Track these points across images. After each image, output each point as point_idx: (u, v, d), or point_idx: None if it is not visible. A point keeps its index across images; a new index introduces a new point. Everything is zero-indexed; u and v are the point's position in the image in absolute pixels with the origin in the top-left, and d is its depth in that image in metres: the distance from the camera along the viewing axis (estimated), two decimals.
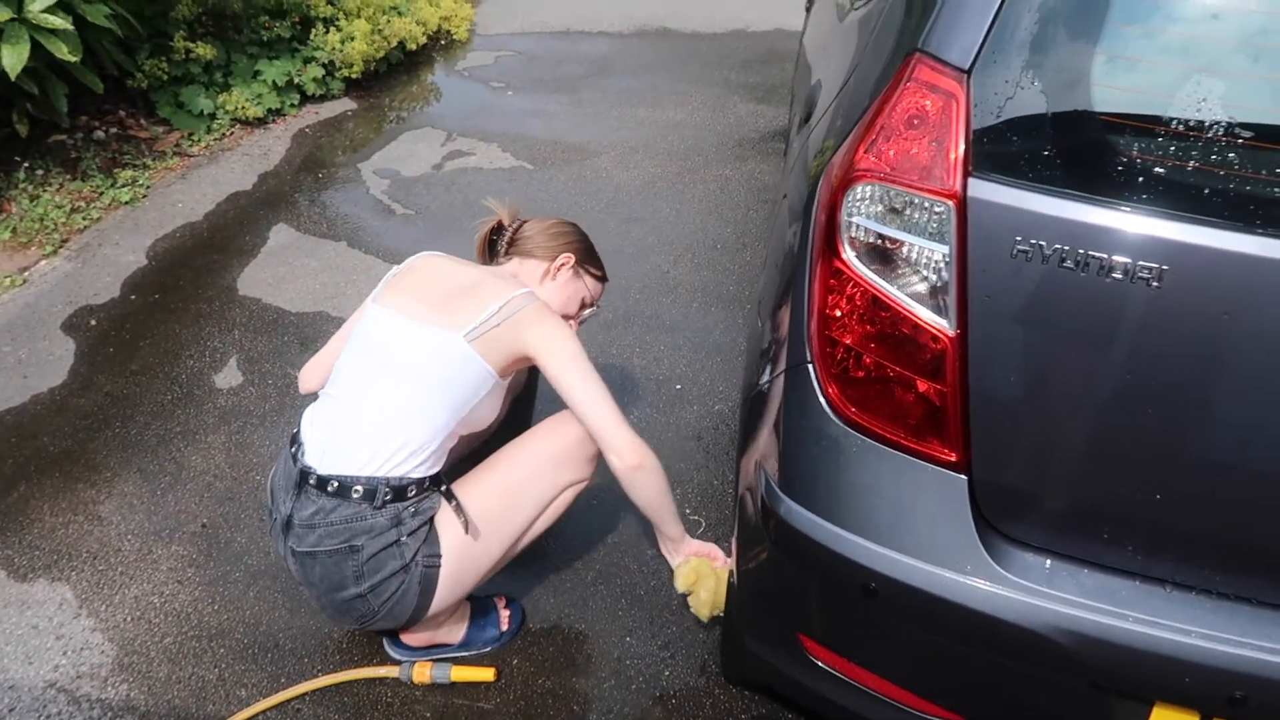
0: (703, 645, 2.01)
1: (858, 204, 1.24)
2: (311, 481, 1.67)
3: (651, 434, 2.57)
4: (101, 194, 3.62)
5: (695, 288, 3.24)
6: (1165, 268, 1.08)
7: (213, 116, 4.21)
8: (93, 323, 2.94)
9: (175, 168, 3.91)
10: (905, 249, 1.22)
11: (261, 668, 1.93)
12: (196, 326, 2.95)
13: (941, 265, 1.19)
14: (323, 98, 4.60)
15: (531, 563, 2.17)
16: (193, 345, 2.86)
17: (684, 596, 1.92)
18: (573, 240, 1.96)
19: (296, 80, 4.46)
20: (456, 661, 1.93)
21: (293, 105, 4.45)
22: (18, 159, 3.65)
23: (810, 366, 1.35)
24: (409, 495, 1.68)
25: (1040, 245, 1.13)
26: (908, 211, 1.21)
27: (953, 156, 1.17)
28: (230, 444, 2.50)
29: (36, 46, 3.22)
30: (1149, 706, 1.24)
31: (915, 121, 1.22)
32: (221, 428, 2.55)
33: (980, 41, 1.17)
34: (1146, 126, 1.14)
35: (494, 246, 1.97)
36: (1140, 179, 1.12)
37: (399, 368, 1.70)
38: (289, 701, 1.86)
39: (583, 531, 2.27)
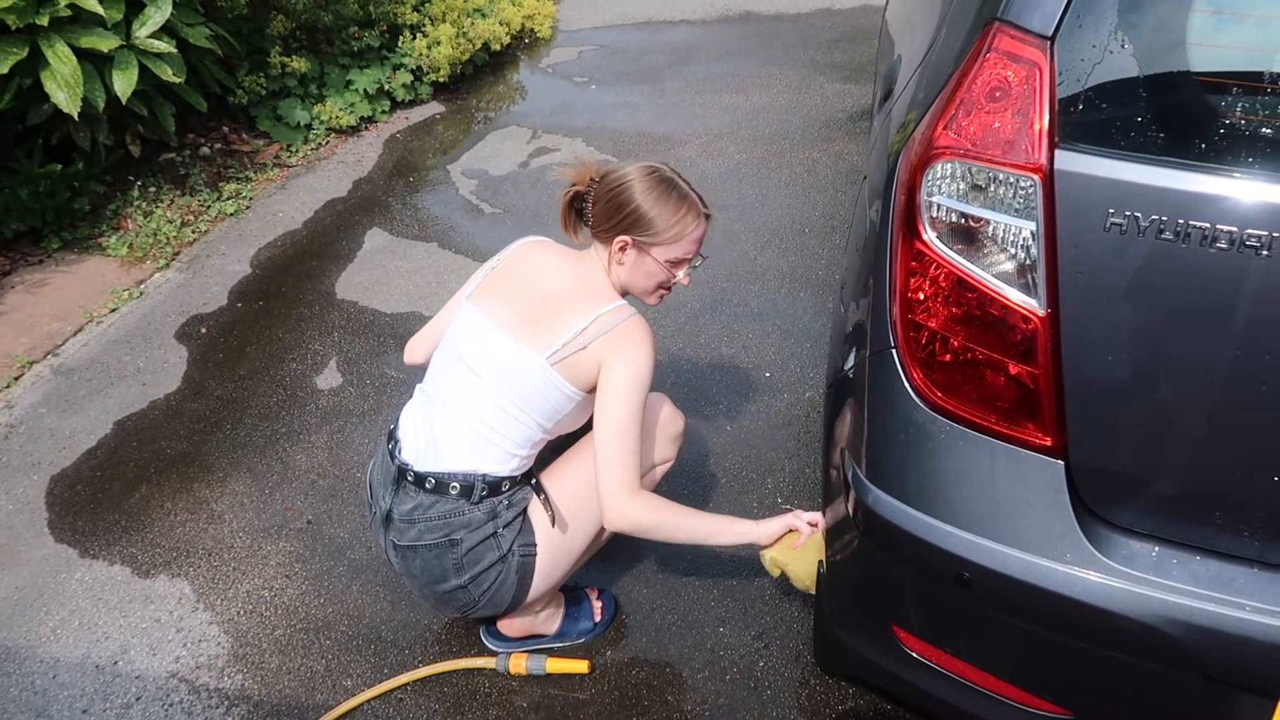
0: (797, 636, 1.99)
1: (938, 183, 1.20)
2: (409, 478, 1.72)
3: (741, 422, 2.55)
4: (208, 207, 3.79)
5: (783, 273, 3.19)
6: (1276, 235, 1.02)
7: (309, 127, 4.35)
8: (203, 330, 3.08)
9: (276, 178, 4.07)
10: (990, 227, 1.18)
11: (365, 659, 2.00)
12: (298, 330, 3.06)
13: (1029, 243, 1.14)
14: (412, 103, 4.70)
15: (622, 554, 2.18)
16: (295, 349, 2.97)
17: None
18: (626, 214, 1.69)
19: (386, 87, 4.58)
20: (551, 653, 1.96)
21: (384, 112, 4.57)
22: (131, 178, 3.85)
23: (894, 352, 1.32)
24: (503, 490, 1.71)
25: (1136, 217, 1.07)
26: (991, 188, 1.16)
27: (1037, 128, 1.12)
28: (332, 443, 2.59)
29: (144, 70, 3.39)
30: (1274, 701, 1.17)
31: (997, 94, 1.17)
32: (323, 427, 2.64)
33: (1063, 7, 1.12)
34: (1251, 85, 1.07)
35: (582, 216, 1.80)
36: (1245, 142, 1.05)
37: (487, 378, 1.71)
38: (392, 691, 1.92)
39: None
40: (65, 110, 3.16)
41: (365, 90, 4.50)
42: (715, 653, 1.97)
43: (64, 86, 3.14)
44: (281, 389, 2.81)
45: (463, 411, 1.72)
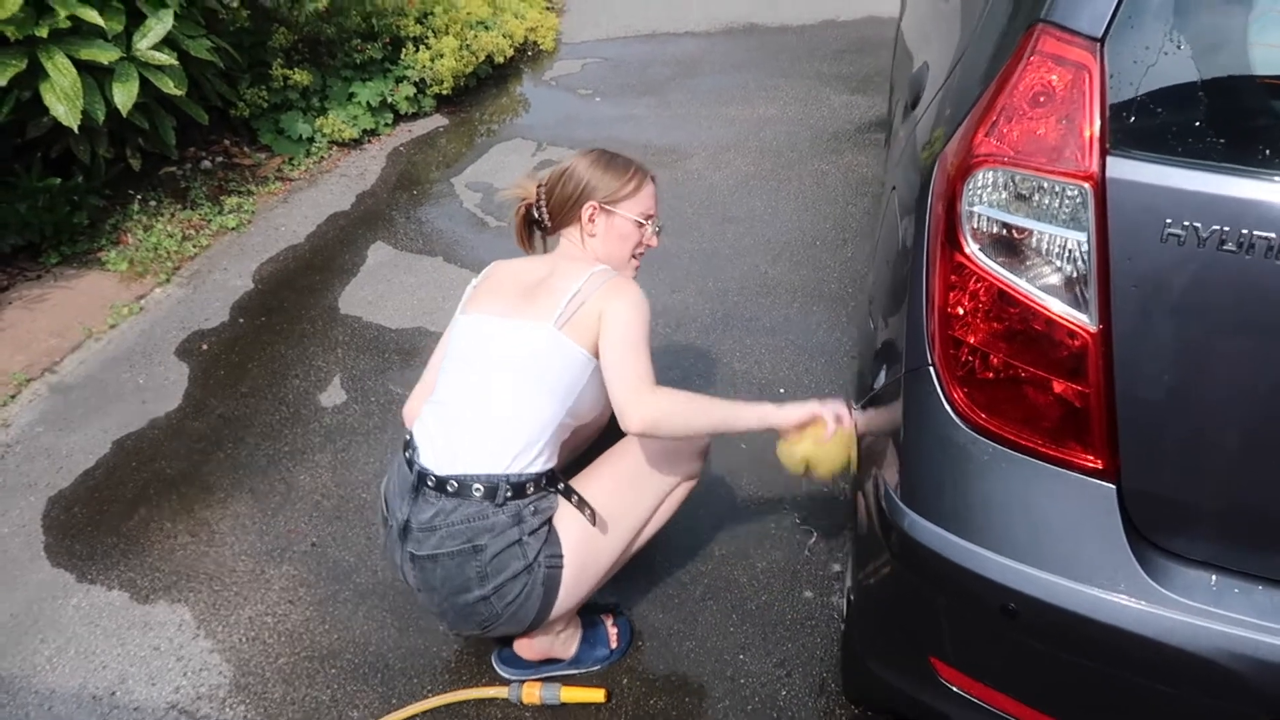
0: (821, 664, 1.92)
1: (979, 192, 1.14)
2: (430, 484, 1.66)
3: (755, 441, 2.48)
4: (209, 221, 3.73)
5: (795, 287, 3.13)
6: None
7: (311, 140, 4.31)
8: (204, 347, 3.02)
9: (278, 192, 4.01)
10: (1035, 238, 1.12)
11: (372, 688, 1.93)
12: (301, 347, 3.00)
13: (1078, 255, 1.08)
14: (415, 115, 4.66)
15: (638, 576, 2.11)
16: (298, 365, 2.91)
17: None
18: (583, 182, 1.82)
19: (389, 100, 4.53)
20: (566, 681, 1.88)
21: (386, 125, 4.52)
22: (131, 191, 3.80)
23: (932, 369, 1.26)
24: (528, 492, 1.66)
25: (1195, 227, 1.01)
26: (1036, 197, 1.10)
27: (1087, 134, 1.06)
28: (336, 462, 2.52)
29: (145, 83, 3.34)
30: None
31: (1041, 99, 1.11)
32: (327, 446, 2.58)
33: (1114, 7, 1.06)
34: None
35: (539, 226, 1.92)
36: None
37: (498, 366, 1.70)
38: None
39: (689, 543, 2.20)
40: (65, 123, 3.11)
41: (368, 103, 4.45)
42: (735, 681, 1.90)
43: (63, 99, 3.09)
44: (284, 406, 2.74)
45: (478, 408, 1.68)
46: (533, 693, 1.85)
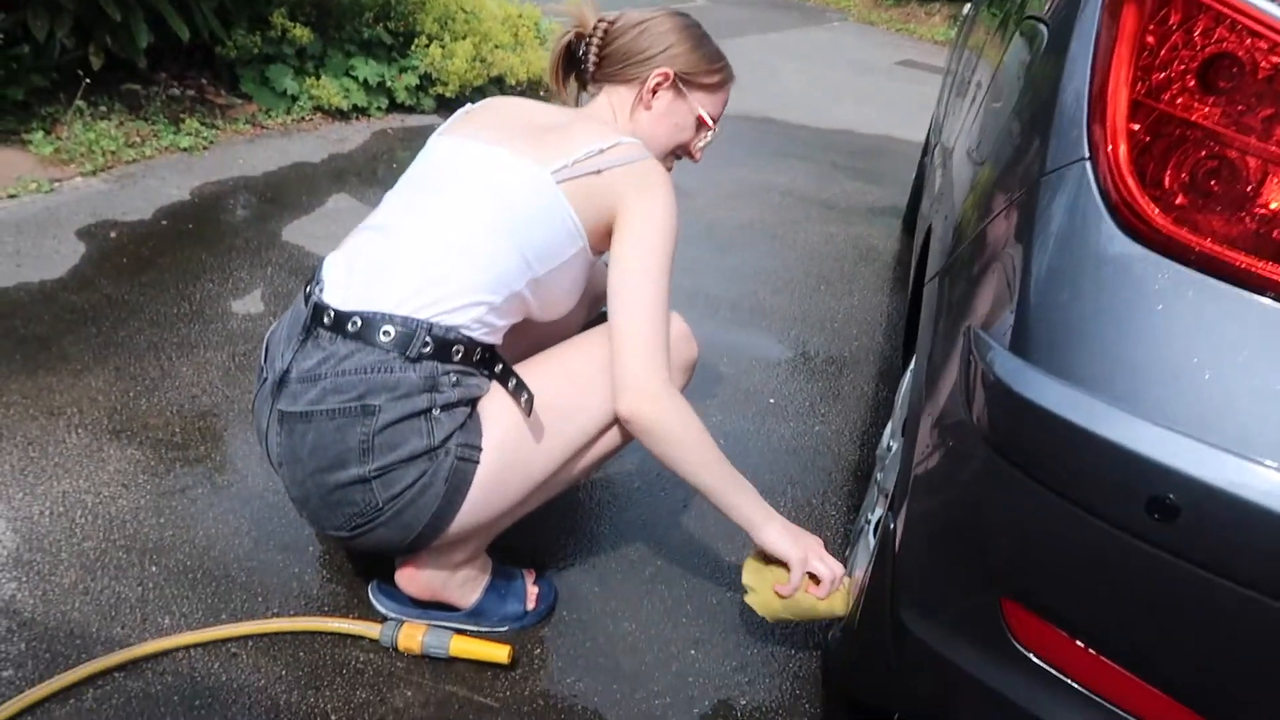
0: (795, 679, 1.47)
1: None
2: (325, 321, 1.22)
3: (740, 442, 2.08)
4: (160, 136, 3.33)
5: (795, 317, 2.80)
6: None
7: (295, 98, 3.98)
8: (113, 235, 2.57)
9: (245, 133, 3.64)
10: None
11: (199, 597, 1.43)
12: (226, 257, 2.56)
13: None
14: (411, 109, 4.37)
15: (573, 538, 1.67)
16: (217, 272, 2.47)
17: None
18: (671, 43, 1.43)
19: (389, 84, 4.25)
20: (461, 632, 1.40)
21: (379, 108, 4.22)
22: (88, 82, 3.37)
23: (1087, 163, 0.90)
24: (453, 356, 1.21)
25: None
26: None
27: None
28: (231, 364, 2.06)
29: None
30: None
31: None
32: (226, 347, 2.12)
33: None
34: None
35: (579, 67, 1.49)
36: None
37: (467, 189, 1.28)
38: (223, 642, 1.34)
39: (643, 519, 1.77)
40: None
41: (366, 80, 4.16)
42: (683, 678, 1.44)
43: None
44: (187, 303, 2.28)
45: (422, 233, 1.25)
46: (413, 636, 1.36)
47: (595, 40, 1.45)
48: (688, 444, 1.27)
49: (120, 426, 1.79)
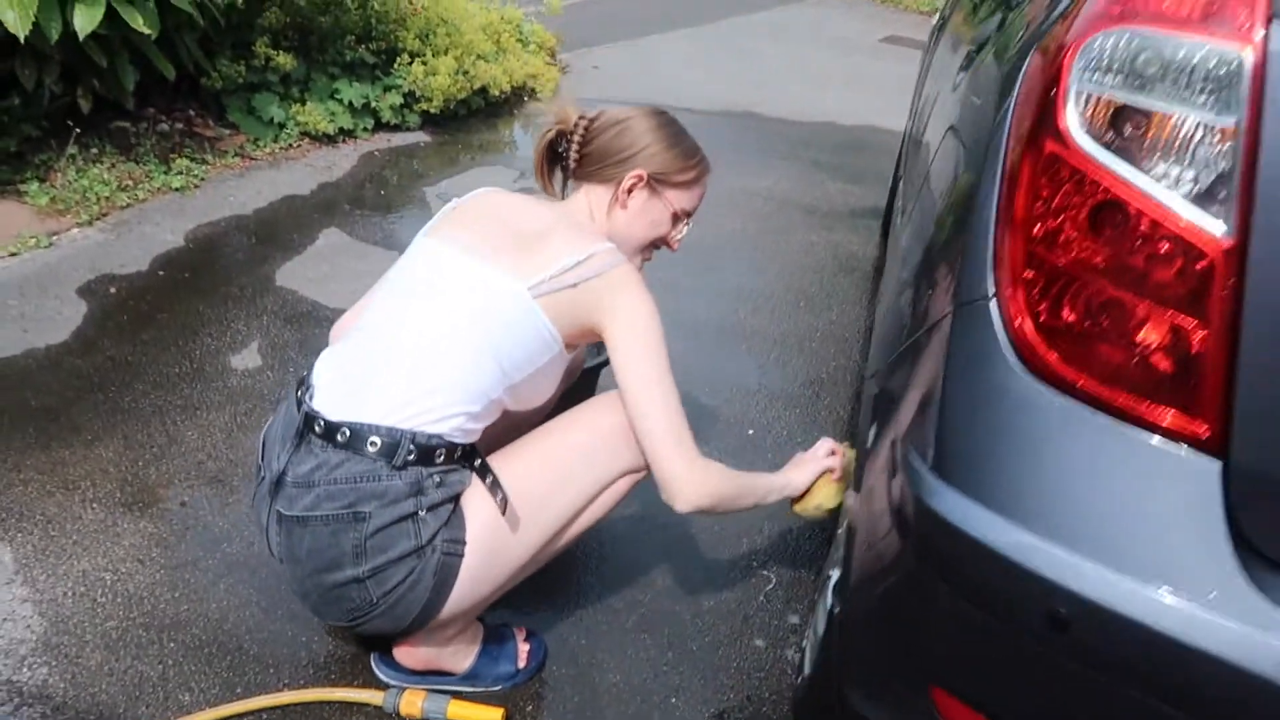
0: None
1: (1094, 63, 0.91)
2: (317, 429, 1.33)
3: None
4: (152, 178, 3.42)
5: (774, 338, 2.90)
6: None
7: (282, 126, 4.06)
8: (112, 290, 2.68)
9: (235, 166, 3.73)
10: (1160, 125, 0.88)
11: (216, 671, 1.55)
12: (223, 308, 2.67)
13: (1219, 146, 0.85)
14: (397, 127, 4.44)
15: (559, 592, 1.78)
16: (215, 324, 2.58)
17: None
18: (647, 144, 1.49)
19: (374, 105, 4.32)
20: (458, 695, 1.52)
21: (365, 129, 4.30)
22: (77, 130, 3.47)
23: (993, 302, 1.00)
24: (436, 460, 1.32)
25: None
26: (1170, 72, 0.87)
27: None
28: (233, 424, 2.17)
29: (113, 17, 3.08)
30: None
31: None
32: (227, 406, 2.23)
33: None
34: None
35: (561, 163, 1.58)
36: None
37: (448, 303, 1.37)
38: (240, 717, 1.46)
39: (626, 566, 1.88)
40: (12, 31, 2.81)
41: (351, 102, 4.24)
42: None
43: (15, 3, 2.81)
44: (188, 361, 2.39)
45: (404, 347, 1.35)
46: (414, 703, 1.49)
47: (576, 138, 1.53)
48: (739, 498, 1.47)
49: (132, 499, 1.90)
